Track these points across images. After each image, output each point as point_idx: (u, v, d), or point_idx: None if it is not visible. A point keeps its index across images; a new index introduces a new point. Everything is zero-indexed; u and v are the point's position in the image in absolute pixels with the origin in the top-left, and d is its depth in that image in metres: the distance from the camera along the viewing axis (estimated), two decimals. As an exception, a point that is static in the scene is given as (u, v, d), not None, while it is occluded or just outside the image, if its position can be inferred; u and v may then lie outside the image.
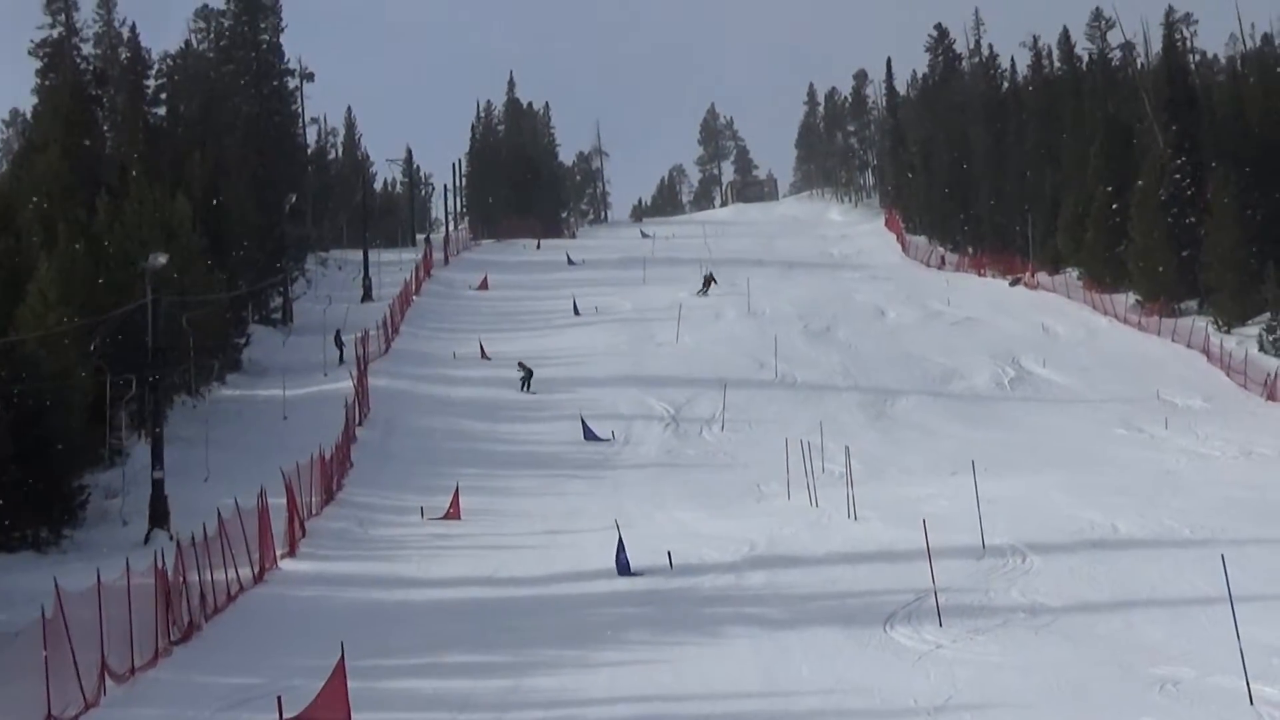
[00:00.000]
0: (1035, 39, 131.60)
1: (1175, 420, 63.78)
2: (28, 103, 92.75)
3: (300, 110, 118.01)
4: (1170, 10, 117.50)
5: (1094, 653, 28.29)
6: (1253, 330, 78.39)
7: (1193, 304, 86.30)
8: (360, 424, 61.72)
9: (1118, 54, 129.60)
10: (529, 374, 70.74)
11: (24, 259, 49.81)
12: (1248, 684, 24.11)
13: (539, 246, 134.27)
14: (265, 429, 60.24)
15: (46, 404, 44.39)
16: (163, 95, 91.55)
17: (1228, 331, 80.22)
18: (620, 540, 38.64)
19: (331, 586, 38.57)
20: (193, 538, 35.73)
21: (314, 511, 47.46)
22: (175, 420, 57.48)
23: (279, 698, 25.44)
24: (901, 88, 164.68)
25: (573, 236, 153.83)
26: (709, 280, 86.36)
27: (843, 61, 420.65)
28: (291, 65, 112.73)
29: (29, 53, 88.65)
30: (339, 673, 25.18)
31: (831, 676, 27.43)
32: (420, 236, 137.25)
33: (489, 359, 77.24)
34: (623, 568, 38.14)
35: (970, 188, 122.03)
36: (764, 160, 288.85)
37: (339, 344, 76.34)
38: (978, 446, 55.14)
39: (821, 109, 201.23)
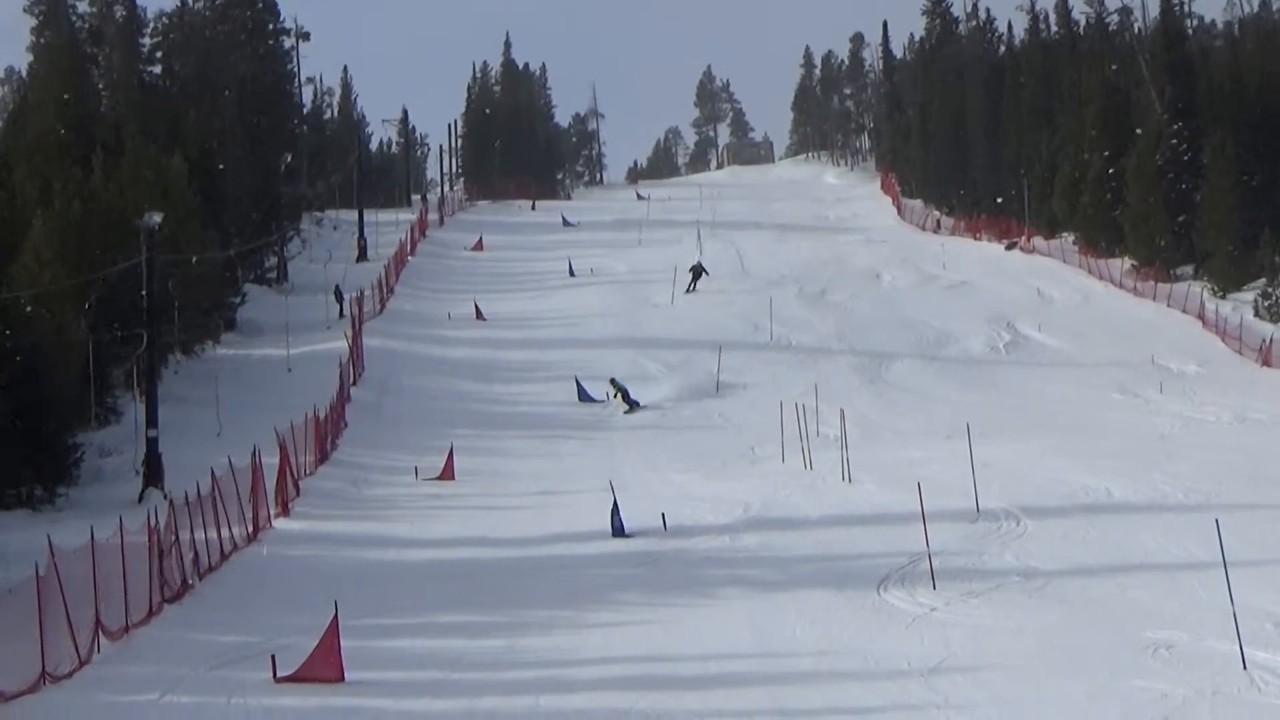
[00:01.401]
0: (1033, 3, 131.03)
1: (1170, 385, 63.83)
2: (23, 61, 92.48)
3: (296, 70, 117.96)
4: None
5: (1087, 616, 28.32)
6: (1248, 296, 78.43)
7: (1188, 269, 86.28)
8: (355, 384, 61.69)
9: (1115, 18, 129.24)
10: (624, 391, 61.36)
11: (19, 217, 49.69)
12: (1241, 648, 24.15)
13: (534, 208, 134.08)
14: (261, 388, 60.13)
15: (41, 362, 44.33)
16: (158, 54, 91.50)
17: (1223, 297, 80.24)
18: (615, 502, 38.63)
19: (325, 546, 38.59)
20: (186, 496, 35.75)
21: (308, 471, 47.47)
22: (169, 379, 57.39)
23: (272, 656, 25.53)
24: (898, 51, 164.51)
25: (568, 198, 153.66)
26: (698, 272, 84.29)
27: (839, 24, 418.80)
28: (287, 25, 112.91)
29: (24, 10, 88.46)
30: (332, 632, 25.24)
31: (825, 638, 27.47)
32: (415, 197, 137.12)
33: (484, 320, 77.18)
34: (617, 529, 38.14)
35: (966, 152, 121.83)
36: (760, 123, 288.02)
37: (339, 298, 76.84)
38: (972, 410, 55.10)
39: (818, 72, 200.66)
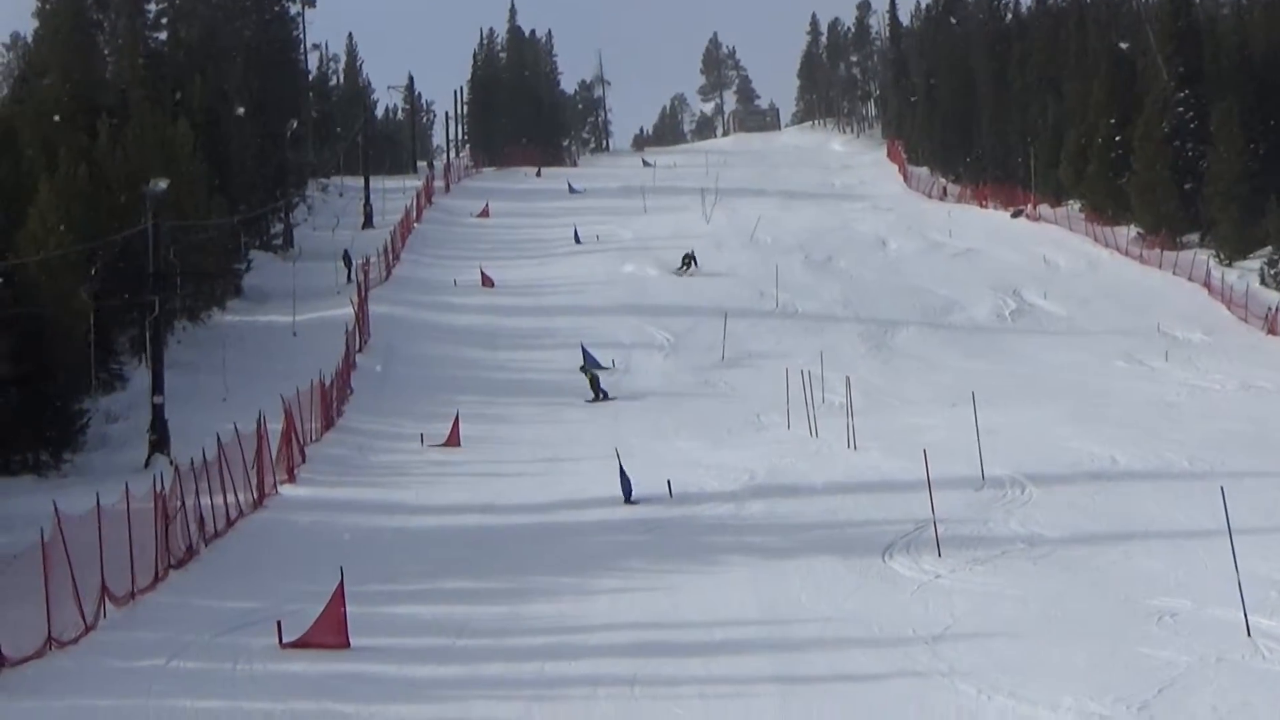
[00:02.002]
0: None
1: (1175, 353, 63.79)
2: (28, 26, 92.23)
3: (302, 37, 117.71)
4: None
5: (1091, 584, 28.38)
6: (1254, 264, 78.31)
7: (1194, 237, 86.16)
8: (360, 351, 61.68)
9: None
10: (594, 379, 57.61)
11: (24, 183, 49.66)
12: (1245, 616, 24.20)
13: (540, 175, 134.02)
14: (267, 354, 60.05)
15: (47, 328, 44.36)
16: (163, 20, 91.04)
17: (1229, 265, 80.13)
18: (622, 468, 38.63)
19: (331, 512, 38.61)
20: (191, 462, 35.80)
21: (314, 438, 47.50)
22: (175, 346, 57.43)
23: (278, 622, 25.59)
24: (905, 18, 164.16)
25: (574, 165, 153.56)
26: (689, 259, 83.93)
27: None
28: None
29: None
30: (338, 598, 25.29)
31: (830, 605, 27.53)
32: (422, 164, 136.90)
33: (491, 286, 77.15)
34: (627, 494, 38.14)
35: (973, 119, 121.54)
36: (766, 90, 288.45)
37: (348, 263, 77.15)
38: (977, 378, 55.11)
39: (824, 39, 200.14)
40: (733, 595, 28.80)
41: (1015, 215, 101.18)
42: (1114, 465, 40.45)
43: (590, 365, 61.07)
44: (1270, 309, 69.59)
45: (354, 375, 57.50)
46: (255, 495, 39.26)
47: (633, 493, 38.18)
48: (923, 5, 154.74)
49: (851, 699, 21.95)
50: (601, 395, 55.68)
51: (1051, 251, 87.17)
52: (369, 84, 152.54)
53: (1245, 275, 76.83)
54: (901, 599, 27.75)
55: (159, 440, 45.83)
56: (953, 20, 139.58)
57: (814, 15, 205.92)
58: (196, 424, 45.26)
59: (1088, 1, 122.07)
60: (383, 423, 51.40)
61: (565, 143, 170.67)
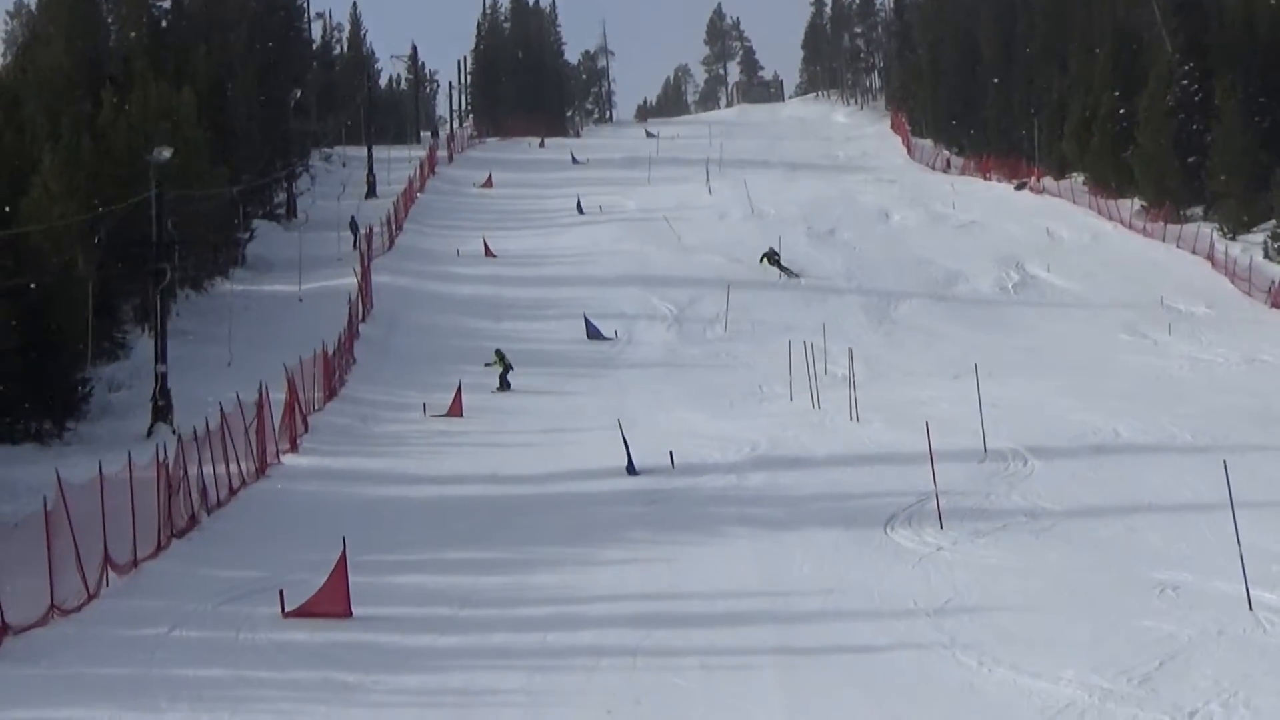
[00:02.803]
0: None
1: (1179, 326, 63.82)
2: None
3: (305, 5, 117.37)
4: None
5: (1094, 557, 28.40)
6: (1258, 237, 78.28)
7: (1198, 210, 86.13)
8: (363, 320, 61.68)
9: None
10: (506, 367, 53.90)
11: (28, 152, 49.60)
12: (1247, 589, 24.22)
13: (543, 145, 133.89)
14: (270, 323, 59.95)
15: (50, 297, 44.33)
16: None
17: (1233, 238, 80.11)
18: (625, 440, 38.63)
19: (333, 482, 38.63)
20: (194, 431, 35.81)
21: (317, 407, 47.53)
22: (178, 315, 57.41)
23: (281, 591, 25.62)
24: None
25: (577, 136, 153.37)
26: (773, 260, 73.44)
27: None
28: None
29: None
30: (340, 567, 25.31)
31: (832, 577, 27.55)
32: (425, 133, 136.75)
33: (493, 257, 77.12)
34: (629, 466, 38.16)
35: (977, 91, 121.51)
36: (770, 61, 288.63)
37: (354, 230, 77.58)
38: (980, 350, 55.14)
39: (829, 10, 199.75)
40: (734, 566, 28.83)
41: (1019, 188, 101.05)
42: (1116, 438, 40.46)
43: (593, 335, 61.19)
44: (1273, 282, 69.60)
45: (357, 344, 57.50)
46: (258, 464, 39.28)
47: (634, 466, 38.20)
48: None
49: (853, 670, 21.97)
50: (506, 387, 53.01)
51: (1055, 224, 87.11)
52: (372, 53, 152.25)
53: (1249, 249, 76.82)
54: (903, 571, 27.78)
55: (162, 409, 45.84)
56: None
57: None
58: (200, 393, 45.25)
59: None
60: (386, 392, 51.42)
61: (569, 113, 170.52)
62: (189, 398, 44.77)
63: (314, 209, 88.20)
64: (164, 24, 76.76)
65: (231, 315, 58.25)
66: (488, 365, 53.70)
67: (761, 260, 73.68)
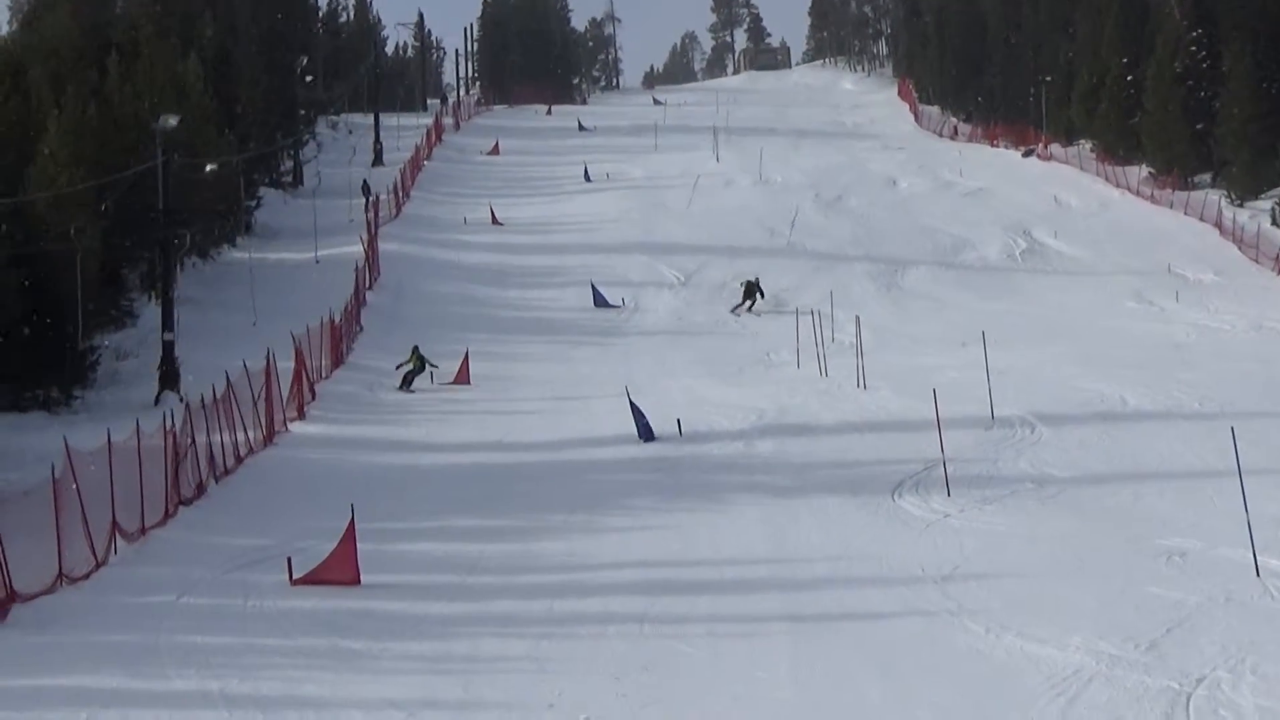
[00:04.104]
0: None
1: (1186, 293, 63.71)
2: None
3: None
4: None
5: (1101, 524, 28.40)
6: (1265, 204, 78.06)
7: (1206, 177, 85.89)
8: (370, 288, 61.68)
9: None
10: (420, 362, 48.58)
11: (34, 119, 49.57)
12: (1254, 556, 24.24)
13: (550, 112, 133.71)
14: (279, 290, 59.79)
15: (57, 264, 44.34)
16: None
17: (1240, 205, 79.91)
18: (637, 408, 38.57)
19: (341, 450, 38.70)
20: (202, 399, 35.85)
21: (324, 375, 47.54)
22: (184, 282, 57.39)
23: (288, 559, 25.69)
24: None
25: (584, 103, 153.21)
26: (752, 291, 61.81)
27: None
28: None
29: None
30: (349, 535, 25.34)
31: (839, 544, 27.57)
32: (433, 101, 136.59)
33: (501, 224, 77.09)
34: (643, 431, 38.12)
35: (984, 57, 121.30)
36: (777, 28, 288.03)
37: (366, 192, 78.57)
38: (988, 317, 55.06)
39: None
40: (742, 534, 28.86)
41: (1026, 155, 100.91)
42: (1124, 405, 40.41)
43: (600, 304, 61.15)
44: (1281, 249, 69.48)
45: (364, 312, 57.51)
46: (265, 432, 39.32)
47: (651, 432, 38.18)
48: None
49: (861, 637, 22.00)
50: (407, 383, 47.79)
51: (1062, 191, 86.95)
52: (379, 20, 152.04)
53: (1257, 216, 76.61)
54: (911, 538, 27.79)
55: (169, 377, 45.89)
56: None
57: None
58: (205, 360, 45.29)
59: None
60: (393, 360, 51.36)
61: (575, 80, 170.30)
62: (208, 365, 44.54)
63: (324, 176, 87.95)
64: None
65: (253, 280, 58.30)
66: (400, 367, 48.23)
67: (741, 303, 61.63)
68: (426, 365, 48.18)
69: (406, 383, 47.84)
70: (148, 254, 54.17)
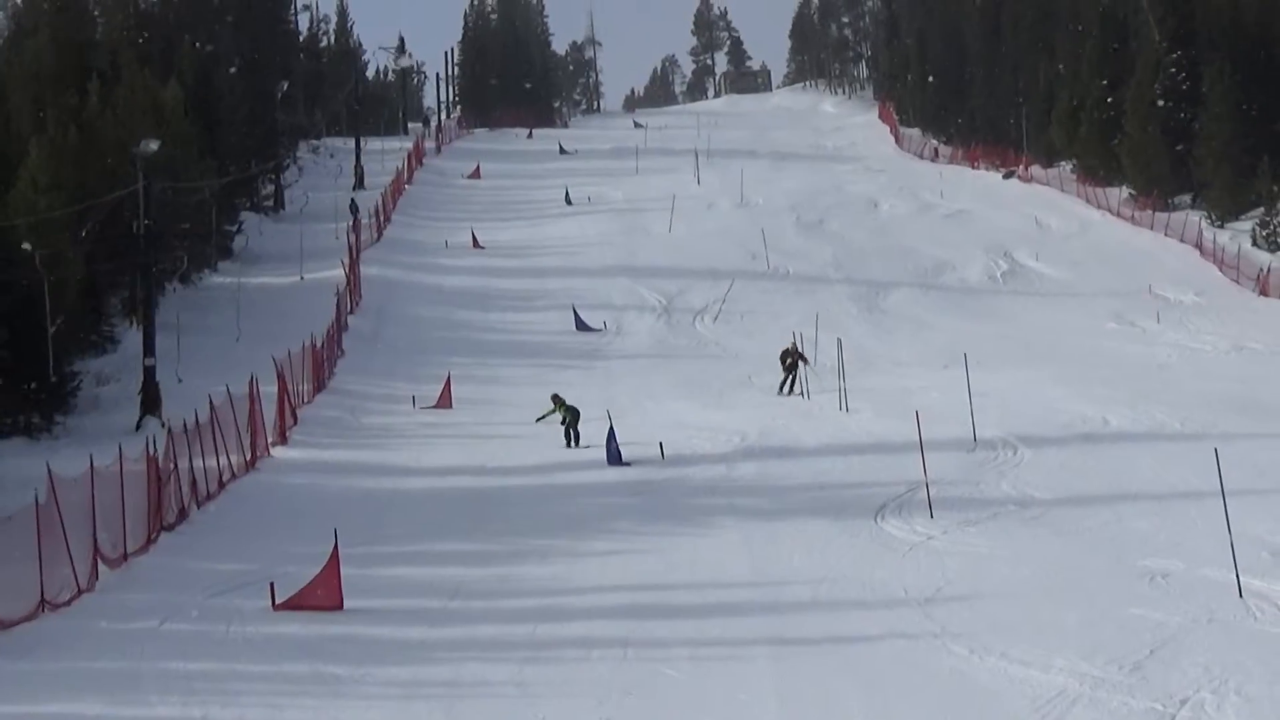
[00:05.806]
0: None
1: (1167, 314, 63.90)
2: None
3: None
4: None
5: (1084, 545, 28.45)
6: (1246, 225, 78.37)
7: (1186, 198, 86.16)
8: (352, 312, 61.63)
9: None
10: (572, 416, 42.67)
11: (14, 145, 49.52)
12: (1237, 577, 24.26)
13: (531, 136, 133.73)
14: (261, 315, 59.71)
15: (37, 290, 44.23)
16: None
17: (1221, 226, 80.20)
18: (611, 429, 38.62)
19: (323, 474, 38.63)
20: (184, 424, 35.78)
21: (306, 400, 47.48)
22: (165, 308, 57.29)
23: (271, 584, 25.60)
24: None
25: (565, 126, 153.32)
26: (795, 358, 50.61)
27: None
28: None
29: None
30: (332, 560, 25.29)
31: (822, 567, 27.56)
32: (414, 125, 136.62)
33: (482, 248, 77.09)
34: (613, 457, 38.16)
35: (965, 80, 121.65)
36: (758, 52, 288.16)
37: (353, 211, 79.47)
38: (969, 339, 55.10)
39: (816, 0, 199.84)
40: (724, 557, 28.84)
41: (1007, 177, 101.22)
42: (1105, 426, 40.51)
43: (581, 326, 61.19)
44: (1262, 270, 69.71)
45: (345, 337, 57.45)
46: (247, 457, 39.25)
47: (621, 457, 38.15)
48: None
49: (844, 660, 21.98)
50: (575, 441, 41.94)
51: (1043, 213, 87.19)
52: (359, 45, 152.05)
53: (1237, 236, 76.90)
54: (893, 560, 27.78)
55: (150, 402, 45.81)
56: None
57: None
58: (187, 385, 45.24)
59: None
60: (375, 384, 51.43)
61: (556, 104, 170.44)
62: (191, 390, 44.39)
63: (307, 200, 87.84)
64: (150, 16, 76.70)
65: (238, 303, 58.30)
66: (540, 419, 43.95)
67: (786, 379, 50.57)
68: (576, 416, 42.31)
69: (574, 439, 41.81)
70: (129, 279, 54.08)
